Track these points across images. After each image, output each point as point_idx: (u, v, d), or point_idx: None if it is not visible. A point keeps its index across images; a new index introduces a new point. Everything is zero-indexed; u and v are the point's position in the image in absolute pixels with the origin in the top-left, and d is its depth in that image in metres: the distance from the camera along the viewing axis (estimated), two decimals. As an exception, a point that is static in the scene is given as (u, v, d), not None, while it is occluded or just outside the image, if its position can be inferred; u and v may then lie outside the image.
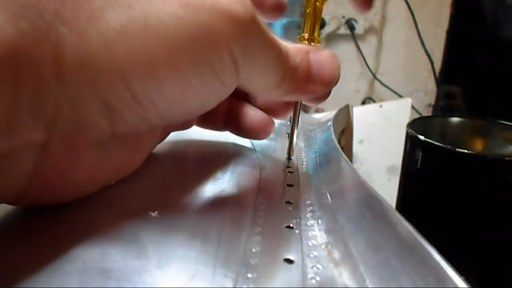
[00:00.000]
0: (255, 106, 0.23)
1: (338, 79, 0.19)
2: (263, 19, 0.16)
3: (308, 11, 0.21)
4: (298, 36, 0.21)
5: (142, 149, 0.17)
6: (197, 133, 0.27)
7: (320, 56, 0.18)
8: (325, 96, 0.20)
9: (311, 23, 0.21)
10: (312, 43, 0.21)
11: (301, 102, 0.22)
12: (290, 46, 0.17)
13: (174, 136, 0.23)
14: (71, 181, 0.14)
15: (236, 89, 0.17)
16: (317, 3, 0.21)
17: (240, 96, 0.22)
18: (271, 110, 0.22)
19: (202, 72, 0.14)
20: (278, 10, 0.21)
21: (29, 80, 0.11)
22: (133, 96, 0.13)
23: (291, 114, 0.23)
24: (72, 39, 0.12)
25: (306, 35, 0.21)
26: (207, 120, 0.22)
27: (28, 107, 0.11)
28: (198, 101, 0.15)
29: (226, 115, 0.22)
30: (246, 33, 0.14)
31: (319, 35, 0.21)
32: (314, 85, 0.18)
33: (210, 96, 0.15)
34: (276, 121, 0.33)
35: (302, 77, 0.17)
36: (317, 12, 0.21)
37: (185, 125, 0.22)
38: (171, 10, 0.12)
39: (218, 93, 0.15)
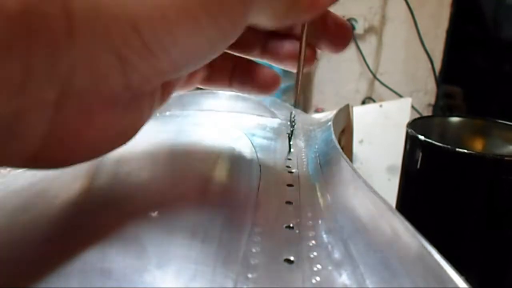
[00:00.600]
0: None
1: None
2: None
3: None
4: None
5: (144, 111, 0.16)
6: (197, 133, 0.27)
7: None
8: (345, 41, 0.20)
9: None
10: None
11: (305, 49, 0.21)
12: None
13: (174, 136, 0.24)
14: (84, 141, 0.14)
15: (241, 44, 0.17)
16: None
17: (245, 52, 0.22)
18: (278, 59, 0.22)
19: (212, 13, 0.13)
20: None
21: (41, 36, 0.11)
22: (146, 44, 0.13)
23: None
24: None
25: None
26: (213, 78, 0.22)
27: (41, 65, 0.11)
28: (208, 45, 0.15)
29: (232, 72, 0.22)
30: None
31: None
32: (320, 3, 0.17)
33: (220, 39, 0.15)
34: (276, 121, 0.33)
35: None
36: None
37: (188, 84, 0.22)
38: None
39: (228, 34, 0.15)
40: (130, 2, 0.12)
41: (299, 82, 0.23)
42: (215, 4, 0.13)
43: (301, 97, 1.22)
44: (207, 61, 0.16)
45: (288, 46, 0.21)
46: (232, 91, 0.23)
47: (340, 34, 0.21)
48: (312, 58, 0.22)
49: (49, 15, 0.11)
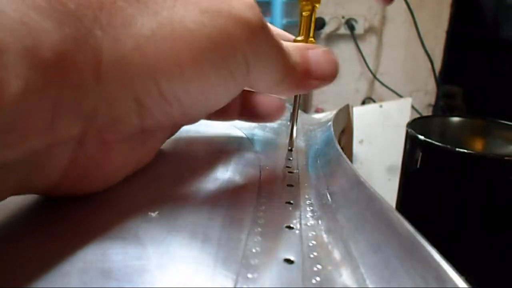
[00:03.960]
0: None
1: (337, 73, 0.20)
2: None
3: (304, 14, 0.22)
4: (294, 39, 0.22)
5: (156, 144, 0.18)
6: (197, 133, 0.27)
7: (317, 53, 0.19)
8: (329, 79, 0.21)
9: (307, 26, 0.22)
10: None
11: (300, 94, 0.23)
12: (289, 45, 0.19)
13: (174, 136, 0.24)
14: (101, 173, 0.15)
15: (222, 112, 0.19)
16: (315, 6, 0.22)
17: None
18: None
19: (220, 72, 0.15)
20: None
21: (72, 80, 0.12)
22: (161, 93, 0.14)
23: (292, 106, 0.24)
24: (109, 43, 0.13)
25: (302, 38, 0.22)
26: (221, 114, 0.23)
27: (69, 105, 0.12)
28: (215, 98, 0.17)
29: (240, 105, 0.23)
30: (257, 37, 0.15)
31: (313, 37, 0.22)
32: (313, 80, 0.19)
33: (225, 93, 0.17)
34: (276, 122, 0.33)
35: (301, 74, 0.19)
36: (312, 15, 0.22)
37: (193, 120, 0.23)
38: (193, 17, 0.14)
39: (232, 90, 0.17)
40: (153, 57, 0.13)
41: (294, 131, 0.24)
42: (223, 64, 0.15)
43: (301, 99, 1.22)
44: (212, 111, 0.18)
45: (263, 105, 0.23)
46: (240, 120, 0.24)
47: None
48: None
49: (80, 63, 0.12)
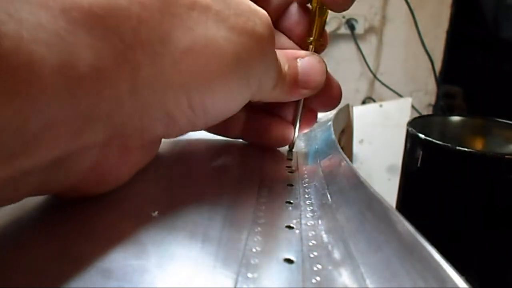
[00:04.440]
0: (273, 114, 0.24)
1: (323, 83, 0.21)
2: None
3: (316, 16, 0.23)
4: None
5: (154, 151, 0.19)
6: (197, 133, 0.27)
7: (306, 62, 0.20)
8: (333, 103, 0.23)
9: (319, 28, 0.23)
10: (317, 46, 0.23)
11: (301, 102, 0.23)
12: (279, 53, 0.19)
13: (174, 138, 0.24)
14: (118, 175, 0.16)
15: (223, 128, 0.21)
16: (327, 11, 0.23)
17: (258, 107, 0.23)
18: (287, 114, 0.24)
19: (241, 82, 0.16)
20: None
21: (107, 94, 0.12)
22: (191, 106, 0.15)
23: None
24: (147, 59, 0.13)
25: (312, 39, 0.23)
26: (224, 127, 0.24)
27: (102, 116, 0.13)
28: (233, 106, 0.18)
29: (244, 124, 0.24)
30: (268, 51, 0.17)
31: (326, 36, 0.24)
32: (301, 89, 0.20)
33: (241, 101, 0.18)
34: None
35: (290, 83, 0.20)
36: (323, 17, 0.23)
37: (208, 126, 0.24)
38: (223, 33, 0.15)
39: (246, 98, 0.18)
40: (187, 73, 0.14)
41: (295, 132, 0.24)
42: (244, 76, 0.16)
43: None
44: (225, 118, 0.18)
45: (266, 128, 0.24)
46: (242, 140, 0.24)
47: (331, 94, 0.23)
48: (312, 120, 0.24)
49: (117, 79, 0.13)
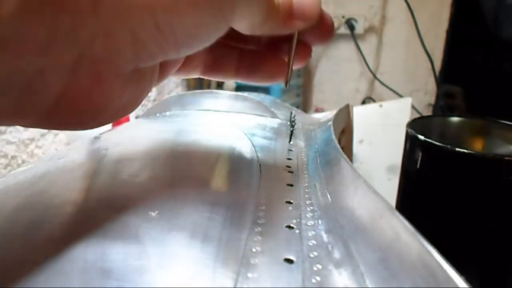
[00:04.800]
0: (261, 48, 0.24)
1: (319, 14, 0.21)
2: None
3: None
4: None
5: (146, 86, 0.19)
6: (197, 133, 0.27)
7: None
8: (327, 35, 0.23)
9: None
10: None
11: (296, 35, 0.23)
12: None
13: (174, 136, 0.24)
14: (92, 105, 0.16)
15: (218, 67, 0.21)
16: None
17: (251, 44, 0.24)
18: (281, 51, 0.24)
19: (211, 7, 0.16)
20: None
21: (69, 8, 0.13)
22: (157, 26, 0.15)
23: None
24: None
25: None
26: (217, 66, 0.24)
27: (65, 32, 0.13)
28: (206, 32, 0.17)
29: (238, 60, 0.24)
30: None
31: None
32: (296, 20, 0.20)
33: (214, 29, 0.18)
34: (276, 121, 0.33)
35: (284, 14, 0.20)
36: None
37: (186, 69, 0.24)
38: None
39: (220, 27, 0.18)
40: None
41: (290, 68, 0.24)
42: (215, 2, 0.16)
43: (301, 95, 1.22)
44: (201, 47, 0.18)
45: (262, 64, 0.24)
46: (237, 80, 0.24)
47: (324, 27, 0.23)
48: (307, 55, 0.24)
49: None
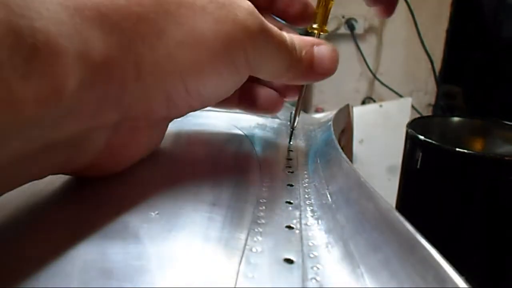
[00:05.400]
0: (266, 85, 0.26)
1: (336, 69, 0.23)
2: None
3: (320, 5, 0.25)
4: (309, 27, 0.25)
5: (165, 131, 0.21)
6: (197, 133, 0.27)
7: (322, 49, 0.22)
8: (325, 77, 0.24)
9: (323, 16, 0.25)
10: (321, 33, 0.25)
11: (305, 85, 0.26)
12: (297, 39, 0.21)
13: (174, 136, 0.24)
14: (128, 153, 0.18)
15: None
16: (331, 0, 0.25)
17: (253, 79, 0.25)
18: (281, 91, 0.27)
19: (229, 67, 0.18)
20: (304, 17, 0.26)
21: (115, 78, 0.15)
22: (187, 90, 0.18)
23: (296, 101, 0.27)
24: (147, 50, 0.16)
25: (317, 26, 0.25)
26: (223, 101, 0.26)
27: (113, 98, 0.15)
28: (225, 88, 0.20)
29: (239, 95, 0.26)
30: (256, 38, 0.18)
31: (326, 26, 0.25)
32: (315, 74, 0.22)
33: (232, 84, 0.20)
34: (276, 121, 0.33)
35: (305, 67, 0.22)
36: (328, 6, 0.25)
37: (206, 106, 0.27)
38: (209, 25, 0.17)
39: (237, 81, 0.20)
40: (181, 62, 0.17)
41: (297, 117, 0.27)
42: (231, 62, 0.18)
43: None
44: (222, 99, 0.21)
45: (260, 97, 0.26)
46: (240, 110, 0.26)
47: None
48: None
49: (123, 66, 0.15)
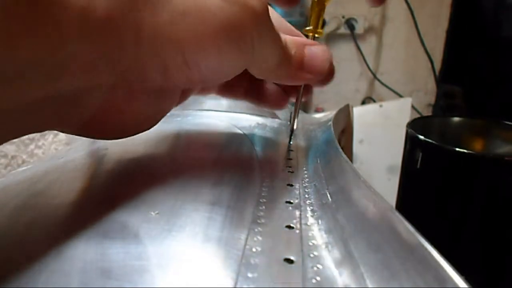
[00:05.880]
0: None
1: (330, 71, 0.23)
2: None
3: (314, 7, 0.25)
4: (303, 29, 0.25)
5: (166, 105, 0.21)
6: (197, 133, 0.27)
7: (313, 49, 0.22)
8: (325, 80, 0.25)
9: (316, 17, 0.25)
10: (315, 35, 0.25)
11: (302, 86, 0.26)
12: (288, 38, 0.21)
13: (174, 136, 0.24)
14: (123, 118, 0.18)
15: (228, 89, 0.23)
16: (325, 3, 0.25)
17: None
18: (287, 90, 0.27)
19: (232, 47, 0.18)
20: (292, 1, 0.26)
21: (114, 39, 0.15)
22: (185, 60, 0.17)
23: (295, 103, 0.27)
24: (148, 16, 0.16)
25: (311, 28, 0.25)
26: (230, 89, 0.27)
27: (109, 58, 0.15)
28: (226, 69, 0.19)
29: (247, 86, 0.26)
30: (261, 23, 0.19)
31: (322, 29, 0.26)
32: (305, 73, 0.22)
33: (234, 67, 0.20)
34: (276, 121, 0.33)
35: (295, 65, 0.22)
36: (322, 8, 0.25)
37: (204, 91, 0.27)
38: (216, 2, 0.17)
39: (239, 65, 0.20)
40: (182, 31, 0.17)
41: (295, 121, 0.27)
42: (235, 42, 0.18)
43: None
44: (221, 81, 0.21)
45: (267, 91, 0.26)
46: (246, 101, 0.27)
47: (328, 76, 0.25)
48: (307, 93, 0.27)
49: (123, 28, 0.15)
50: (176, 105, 0.23)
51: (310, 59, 0.22)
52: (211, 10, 0.17)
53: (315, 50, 0.22)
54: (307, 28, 0.25)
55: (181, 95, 0.23)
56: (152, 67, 0.17)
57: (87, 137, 0.19)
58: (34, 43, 0.12)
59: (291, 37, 0.22)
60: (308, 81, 0.23)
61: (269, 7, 0.19)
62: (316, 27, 0.25)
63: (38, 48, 0.12)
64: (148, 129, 0.21)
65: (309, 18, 0.25)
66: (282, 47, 0.20)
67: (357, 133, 0.67)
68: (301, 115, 0.41)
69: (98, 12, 0.14)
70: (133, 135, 0.20)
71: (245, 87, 0.26)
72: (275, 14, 0.23)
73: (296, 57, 0.21)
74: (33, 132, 0.16)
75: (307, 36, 0.25)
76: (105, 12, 0.14)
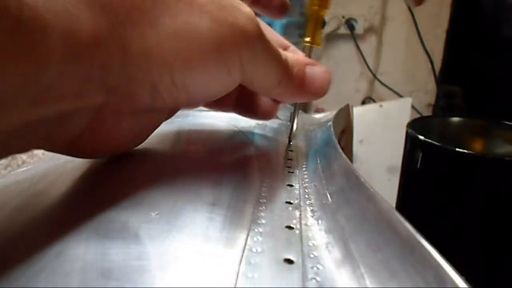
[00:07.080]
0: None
1: (327, 91, 0.23)
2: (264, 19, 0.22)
3: (310, 17, 0.25)
4: (301, 40, 0.25)
5: (155, 122, 0.21)
6: (197, 133, 0.27)
7: (314, 70, 0.23)
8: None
9: (313, 28, 0.25)
10: (313, 45, 0.25)
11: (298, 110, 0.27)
12: (291, 57, 0.21)
13: (174, 136, 0.24)
14: (110, 138, 0.18)
15: (218, 102, 0.23)
16: (320, 13, 0.25)
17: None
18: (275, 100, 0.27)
19: (220, 68, 0.18)
20: (281, 10, 0.27)
21: (100, 60, 0.15)
22: (173, 81, 0.17)
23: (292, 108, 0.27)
24: (136, 37, 0.16)
25: (308, 39, 0.25)
26: (218, 102, 0.26)
27: (96, 79, 0.15)
28: (214, 89, 0.19)
29: (236, 99, 0.26)
30: (252, 45, 0.18)
31: (319, 39, 0.26)
32: (305, 93, 0.22)
33: (223, 86, 0.20)
34: (276, 121, 0.33)
35: (296, 85, 0.22)
36: (318, 18, 0.25)
37: (194, 105, 0.27)
38: (205, 23, 0.17)
39: (228, 84, 0.20)
40: (170, 53, 0.17)
41: (294, 125, 0.27)
42: (223, 63, 0.18)
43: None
44: (210, 100, 0.21)
45: (256, 103, 0.26)
46: (236, 113, 0.27)
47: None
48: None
49: (110, 49, 0.15)
50: (167, 118, 0.23)
51: (311, 80, 0.22)
52: (199, 31, 0.17)
53: (317, 71, 0.23)
54: (306, 39, 0.25)
55: (169, 112, 0.23)
56: (140, 87, 0.17)
57: (74, 156, 0.19)
58: (16, 69, 0.12)
59: (292, 55, 0.22)
60: (306, 100, 0.23)
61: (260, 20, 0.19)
62: (314, 38, 0.25)
63: (20, 74, 0.12)
64: (136, 146, 0.21)
65: (305, 28, 0.25)
66: (282, 66, 0.20)
67: (357, 133, 0.67)
68: (301, 115, 0.41)
69: (83, 34, 0.14)
70: (118, 152, 0.20)
71: (235, 100, 0.26)
72: (268, 29, 0.24)
73: (298, 76, 0.22)
74: (18, 153, 0.16)
75: (305, 47, 0.25)
76: (91, 33, 0.14)
